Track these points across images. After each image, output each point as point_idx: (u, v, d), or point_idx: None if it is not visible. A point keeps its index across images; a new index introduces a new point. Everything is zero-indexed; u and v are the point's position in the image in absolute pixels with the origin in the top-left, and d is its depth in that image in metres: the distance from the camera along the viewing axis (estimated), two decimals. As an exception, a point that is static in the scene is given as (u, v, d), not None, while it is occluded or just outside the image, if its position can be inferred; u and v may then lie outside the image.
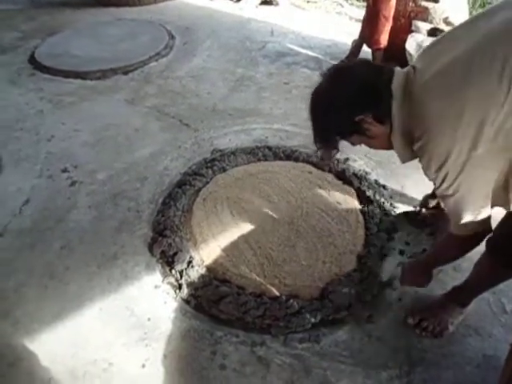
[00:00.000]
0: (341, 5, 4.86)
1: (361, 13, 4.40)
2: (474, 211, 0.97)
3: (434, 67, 0.93)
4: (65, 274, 1.56)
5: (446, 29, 2.35)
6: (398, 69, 1.04)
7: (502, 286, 1.46)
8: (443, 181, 0.94)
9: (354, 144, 1.16)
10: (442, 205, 1.06)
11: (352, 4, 4.90)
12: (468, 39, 0.89)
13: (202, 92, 2.71)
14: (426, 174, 1.01)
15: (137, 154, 2.17)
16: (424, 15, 2.45)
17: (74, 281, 1.53)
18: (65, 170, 2.06)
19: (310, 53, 3.25)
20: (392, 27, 2.56)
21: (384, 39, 2.55)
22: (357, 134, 1.07)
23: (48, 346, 1.33)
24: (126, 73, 2.92)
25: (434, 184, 1.00)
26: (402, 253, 1.62)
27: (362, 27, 2.69)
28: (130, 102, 2.60)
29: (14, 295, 1.48)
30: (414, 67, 1.00)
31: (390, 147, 1.12)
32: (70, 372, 1.26)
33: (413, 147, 1.00)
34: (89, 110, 2.53)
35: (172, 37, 3.44)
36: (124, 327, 1.38)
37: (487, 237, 1.16)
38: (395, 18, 2.53)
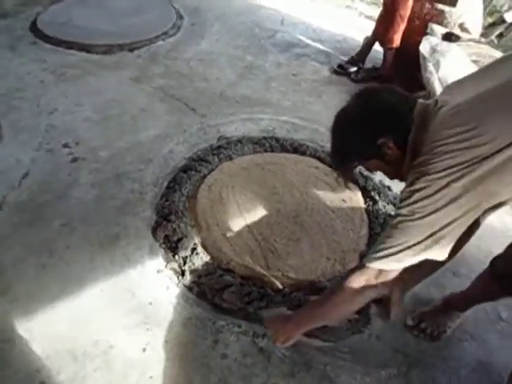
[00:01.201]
0: (351, -1, 4.82)
1: (371, 9, 4.39)
2: (408, 248, 0.89)
3: (454, 102, 0.90)
4: (65, 252, 1.53)
5: (461, 34, 2.35)
6: (420, 100, 1.03)
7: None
8: (410, 196, 0.88)
9: (370, 170, 1.15)
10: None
11: (362, 0, 4.86)
12: (491, 81, 0.87)
13: (209, 76, 2.66)
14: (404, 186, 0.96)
15: (141, 134, 2.13)
16: (440, 18, 2.44)
17: (75, 260, 1.50)
18: (66, 145, 2.00)
19: (320, 46, 3.22)
20: (406, 28, 2.55)
21: (397, 39, 2.54)
22: (376, 158, 1.05)
23: (47, 324, 1.31)
24: (131, 50, 2.85)
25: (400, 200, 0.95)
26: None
27: (376, 25, 2.67)
28: (135, 81, 2.54)
29: (12, 271, 1.44)
30: (436, 100, 0.98)
31: (402, 176, 1.06)
32: (69, 351, 1.24)
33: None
34: (93, 85, 2.46)
35: (180, 16, 3.36)
36: (125, 310, 1.37)
37: (494, 256, 1.19)
38: (410, 19, 2.51)
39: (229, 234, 1.62)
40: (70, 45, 2.82)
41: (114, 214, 1.69)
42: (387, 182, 2.00)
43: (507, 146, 0.77)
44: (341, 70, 2.83)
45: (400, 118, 0.99)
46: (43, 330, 1.29)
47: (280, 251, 1.59)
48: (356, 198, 1.87)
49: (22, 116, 2.15)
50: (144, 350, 1.27)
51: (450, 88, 1.03)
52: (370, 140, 1.01)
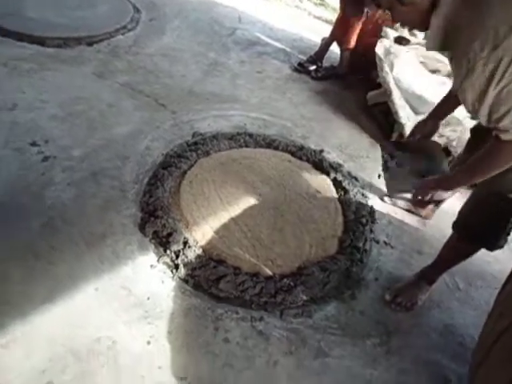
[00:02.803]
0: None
1: (318, 10, 4.61)
2: None
3: None
4: (51, 253, 1.48)
5: (410, 38, 2.59)
6: None
7: (455, 267, 1.73)
8: (498, 65, 0.91)
9: (380, 5, 1.12)
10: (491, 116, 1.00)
11: (310, 0, 5.08)
12: None
13: (175, 73, 2.66)
14: (470, 62, 0.95)
15: (113, 131, 2.09)
16: (391, 23, 2.67)
17: (62, 261, 1.47)
18: (34, 144, 1.91)
19: (278, 44, 3.35)
20: (360, 30, 2.75)
21: (353, 40, 2.74)
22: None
23: (43, 326, 1.28)
24: (90, 44, 2.74)
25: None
26: (377, 242, 1.82)
27: (335, 27, 2.84)
28: (99, 76, 2.46)
29: (-4, 275, 1.38)
30: None
31: (418, 25, 1.10)
32: (72, 351, 1.23)
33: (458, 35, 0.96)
34: (53, 81, 2.34)
35: (137, 10, 3.29)
36: (123, 306, 1.38)
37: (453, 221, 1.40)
38: (365, 23, 2.72)
39: (215, 227, 1.68)
40: (20, 36, 2.64)
41: (97, 213, 1.67)
42: (354, 172, 2.18)
43: None
44: (301, 68, 2.98)
45: None
46: (40, 332, 1.26)
47: (266, 241, 1.68)
48: (329, 188, 2.02)
49: (-21, 112, 2.01)
50: (148, 342, 1.30)
51: None
52: None
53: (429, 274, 1.57)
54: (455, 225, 1.44)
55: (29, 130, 1.98)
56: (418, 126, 1.68)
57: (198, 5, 3.65)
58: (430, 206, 1.98)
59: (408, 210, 2.01)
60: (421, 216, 1.99)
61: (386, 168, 1.61)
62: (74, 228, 1.59)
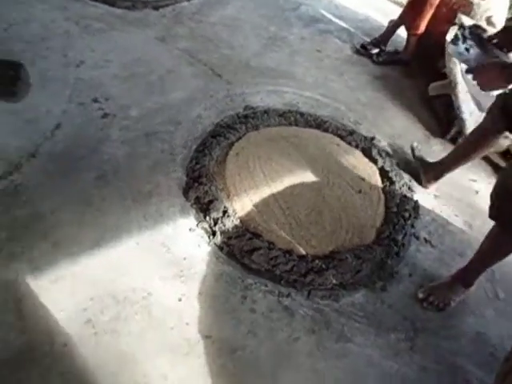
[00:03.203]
0: (371, -23, 4.75)
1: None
2: None
3: None
4: (101, 204, 1.59)
5: (488, 28, 2.39)
6: None
7: (498, 276, 1.65)
8: None
9: None
10: None
11: (382, -21, 4.79)
12: None
13: (234, 44, 2.66)
14: None
15: (169, 96, 2.15)
16: (467, 9, 2.47)
17: (110, 212, 1.57)
18: (96, 100, 2.02)
19: (342, 23, 3.23)
20: (432, 15, 2.58)
21: (423, 26, 2.58)
22: None
23: (88, 269, 1.39)
24: (156, 8, 2.81)
25: None
26: (417, 238, 1.77)
27: (404, 10, 2.69)
28: (161, 40, 2.53)
29: (51, 218, 1.51)
30: None
31: None
32: (111, 295, 1.34)
33: None
34: (119, 41, 2.44)
35: (204, -22, 3.29)
36: (161, 262, 1.46)
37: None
38: (438, 6, 2.54)
39: (255, 201, 1.71)
40: (93, -4, 2.76)
41: (146, 172, 1.75)
42: (403, 165, 2.11)
43: None
44: (363, 51, 2.86)
45: None
46: (85, 273, 1.37)
47: (303, 220, 1.69)
48: (374, 177, 1.97)
49: (50, 66, 2.14)
50: (180, 299, 1.38)
51: None
52: None
53: (466, 275, 1.51)
54: (490, 209, 1.36)
55: (92, 86, 2.09)
56: (506, 29, 1.67)
57: (265, -24, 3.58)
58: (432, 173, 1.96)
59: (413, 175, 2.04)
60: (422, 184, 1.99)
61: (455, 43, 1.62)
62: (124, 184, 1.69)
